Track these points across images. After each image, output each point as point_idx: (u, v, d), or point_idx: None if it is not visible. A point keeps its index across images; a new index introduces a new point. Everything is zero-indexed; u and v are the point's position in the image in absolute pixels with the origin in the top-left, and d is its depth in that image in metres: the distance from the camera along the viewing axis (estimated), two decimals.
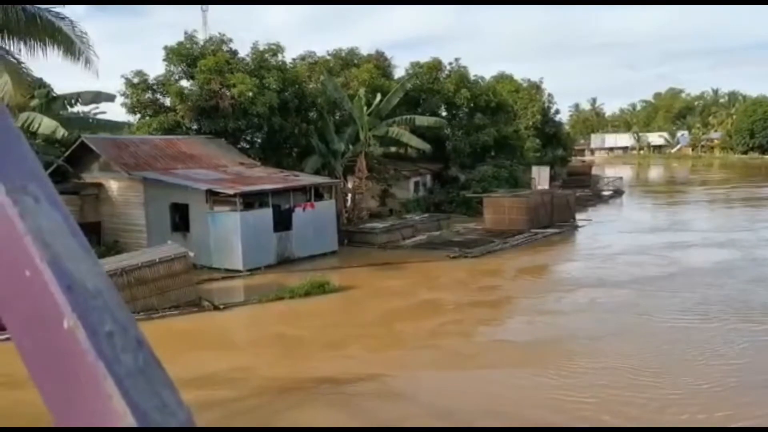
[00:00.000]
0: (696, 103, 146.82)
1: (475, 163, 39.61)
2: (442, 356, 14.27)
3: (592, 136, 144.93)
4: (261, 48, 31.35)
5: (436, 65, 40.86)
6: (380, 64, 38.78)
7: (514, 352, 14.50)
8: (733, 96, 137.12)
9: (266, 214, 23.65)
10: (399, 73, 40.91)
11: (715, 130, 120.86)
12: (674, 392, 11.51)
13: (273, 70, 30.41)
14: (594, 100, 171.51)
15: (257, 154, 31.06)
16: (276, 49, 31.57)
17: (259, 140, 32.23)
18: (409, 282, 21.21)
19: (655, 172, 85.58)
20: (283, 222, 24.21)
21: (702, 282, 20.35)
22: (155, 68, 51.40)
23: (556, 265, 25.87)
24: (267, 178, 25.93)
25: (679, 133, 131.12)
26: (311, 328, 16.39)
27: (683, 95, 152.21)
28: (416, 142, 33.33)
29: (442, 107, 41.23)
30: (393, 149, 40.96)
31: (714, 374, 12.41)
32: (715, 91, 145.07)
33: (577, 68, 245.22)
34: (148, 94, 30.23)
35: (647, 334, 15.25)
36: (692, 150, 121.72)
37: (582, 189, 46.32)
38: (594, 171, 59.10)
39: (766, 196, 48.18)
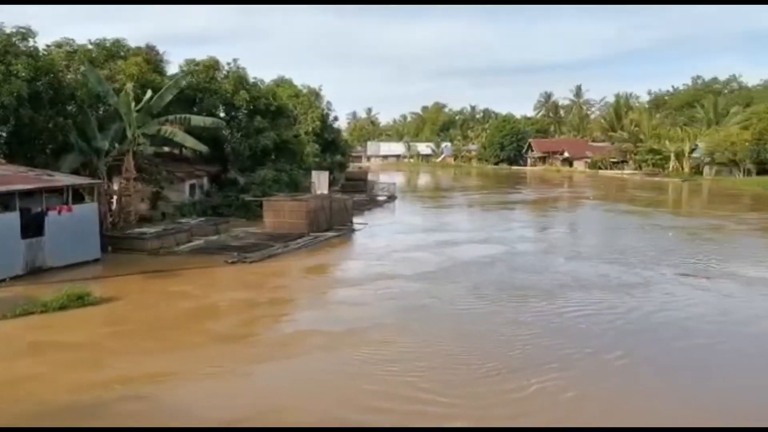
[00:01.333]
0: (457, 117, 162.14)
1: (255, 167, 38.87)
2: (244, 353, 13.92)
3: (368, 143, 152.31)
4: (7, 31, 27.20)
5: (213, 64, 39.35)
6: (151, 58, 36.11)
7: (325, 340, 14.75)
8: (486, 113, 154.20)
9: (11, 218, 20.49)
10: (173, 69, 38.60)
11: (473, 143, 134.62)
12: (487, 361, 13.11)
13: (22, 56, 26.59)
14: (370, 110, 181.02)
15: (2, 151, 26.91)
16: (26, 33, 27.63)
17: (4, 134, 27.94)
18: (187, 288, 19.91)
19: (423, 179, 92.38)
20: (33, 227, 21.22)
21: (476, 271, 22.99)
22: None
23: (342, 264, 26.57)
24: (12, 177, 22.47)
25: (443, 144, 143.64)
26: (69, 342, 14.43)
27: (446, 110, 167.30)
28: (191, 142, 31.59)
29: (221, 108, 39.81)
30: (167, 149, 38.47)
31: (513, 342, 14.53)
32: (473, 108, 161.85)
33: (354, 78, 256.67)
34: None
35: (445, 315, 17.04)
36: (454, 160, 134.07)
37: (359, 194, 48.08)
38: (370, 177, 61.76)
39: (514, 201, 54.97)
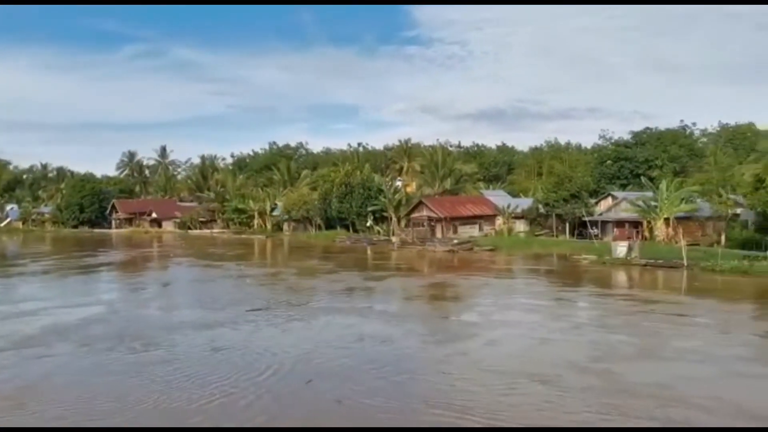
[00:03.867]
0: (25, 176, 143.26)
1: None
2: None
3: None
4: None
5: None
6: None
7: None
8: (61, 171, 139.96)
9: None
10: None
11: (46, 204, 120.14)
12: (156, 395, 14.90)
13: None
14: None
15: None
16: None
17: None
18: None
19: None
20: None
21: (83, 331, 22.85)
22: None
23: None
24: None
25: (8, 207, 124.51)
26: None
27: (11, 167, 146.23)
28: None
29: None
30: None
31: (171, 380, 16.25)
32: (45, 166, 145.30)
33: None
34: None
35: (74, 371, 17.54)
36: (23, 224, 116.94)
37: None
38: None
39: (99, 264, 50.82)
